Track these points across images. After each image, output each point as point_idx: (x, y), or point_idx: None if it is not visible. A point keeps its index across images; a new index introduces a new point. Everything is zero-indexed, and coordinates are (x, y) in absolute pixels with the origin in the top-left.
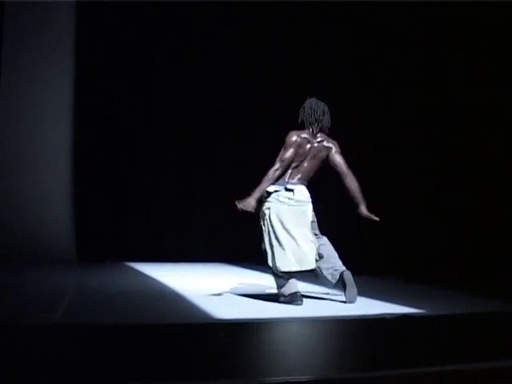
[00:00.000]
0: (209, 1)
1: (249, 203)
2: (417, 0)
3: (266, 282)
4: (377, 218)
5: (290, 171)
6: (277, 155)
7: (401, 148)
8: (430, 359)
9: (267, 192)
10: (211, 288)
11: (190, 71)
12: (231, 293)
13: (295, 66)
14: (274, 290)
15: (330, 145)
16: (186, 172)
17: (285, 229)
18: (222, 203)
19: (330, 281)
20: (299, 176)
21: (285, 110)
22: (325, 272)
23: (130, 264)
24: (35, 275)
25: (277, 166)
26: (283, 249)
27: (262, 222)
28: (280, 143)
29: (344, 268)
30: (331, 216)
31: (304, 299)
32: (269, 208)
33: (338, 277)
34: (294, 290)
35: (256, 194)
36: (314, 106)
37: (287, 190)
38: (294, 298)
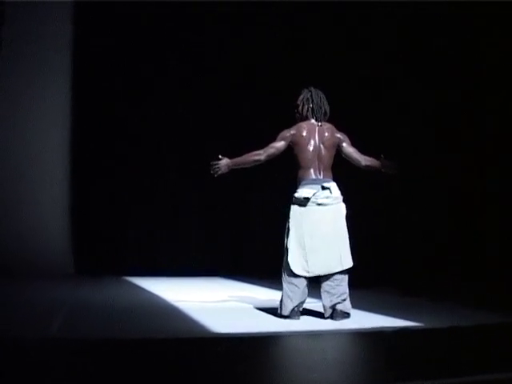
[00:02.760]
0: (207, 1)
1: (224, 163)
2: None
3: (263, 296)
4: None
5: (311, 167)
6: (276, 164)
7: (403, 159)
8: (429, 372)
9: (305, 198)
10: (208, 302)
11: (189, 72)
12: (228, 307)
13: (294, 68)
14: (272, 304)
15: (341, 135)
16: (184, 185)
17: (310, 232)
18: (219, 217)
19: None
20: (324, 171)
21: (285, 115)
22: (323, 300)
23: (127, 278)
24: (32, 288)
25: (262, 151)
26: (302, 251)
27: (289, 228)
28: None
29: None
30: None
31: (303, 313)
32: (299, 211)
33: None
34: (292, 307)
35: (235, 161)
36: (311, 96)
37: (324, 188)
38: (291, 314)
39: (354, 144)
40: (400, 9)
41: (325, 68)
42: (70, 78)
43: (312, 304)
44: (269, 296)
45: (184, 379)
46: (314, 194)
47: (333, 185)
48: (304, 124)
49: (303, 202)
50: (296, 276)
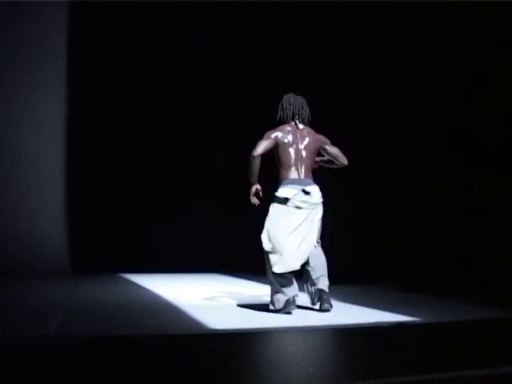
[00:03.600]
0: (206, 1)
1: (253, 190)
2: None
3: (260, 292)
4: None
5: (294, 168)
6: (274, 164)
7: (399, 155)
8: (426, 367)
9: (285, 198)
10: (205, 299)
11: (189, 71)
12: (226, 303)
13: (294, 68)
14: (269, 300)
15: (321, 138)
16: (181, 182)
17: (288, 231)
18: (217, 214)
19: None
20: (305, 171)
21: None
22: (308, 288)
23: (124, 275)
24: (29, 287)
25: (254, 151)
26: (281, 252)
27: (267, 228)
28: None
29: (323, 286)
30: (327, 226)
31: (298, 308)
32: (279, 210)
33: (315, 297)
34: (285, 299)
35: (253, 182)
36: (292, 101)
37: (305, 192)
38: (286, 305)
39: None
40: (400, 9)
41: (325, 68)
42: (67, 77)
43: (307, 300)
44: (265, 292)
45: (181, 376)
46: (294, 195)
47: (314, 189)
48: (287, 126)
49: (283, 202)
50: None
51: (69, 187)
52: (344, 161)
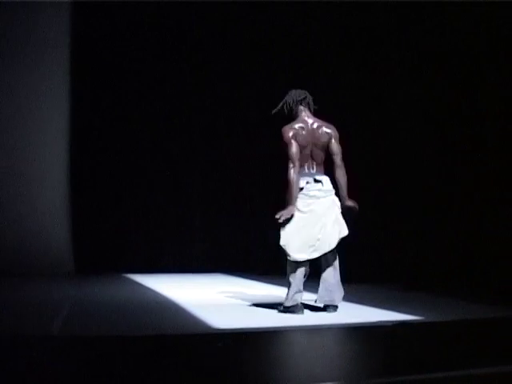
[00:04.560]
0: (205, 1)
1: (290, 211)
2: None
3: (264, 292)
4: (355, 206)
5: (306, 163)
6: (278, 162)
7: (400, 154)
8: (429, 366)
9: (300, 188)
10: (210, 298)
11: (188, 74)
12: (229, 303)
13: (295, 68)
14: (272, 300)
15: (330, 130)
16: (184, 183)
17: (309, 220)
18: (220, 214)
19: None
20: (316, 166)
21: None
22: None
23: (127, 275)
24: (33, 288)
25: (292, 165)
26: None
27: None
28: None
29: (336, 303)
30: None
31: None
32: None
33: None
34: (295, 303)
35: (293, 201)
36: (294, 92)
37: (316, 181)
38: (295, 309)
39: (345, 145)
40: (400, 9)
41: (326, 69)
42: (70, 78)
43: (310, 299)
44: (269, 292)
45: (186, 375)
46: (307, 183)
47: (325, 178)
48: (297, 125)
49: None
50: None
51: (72, 188)
52: (339, 161)
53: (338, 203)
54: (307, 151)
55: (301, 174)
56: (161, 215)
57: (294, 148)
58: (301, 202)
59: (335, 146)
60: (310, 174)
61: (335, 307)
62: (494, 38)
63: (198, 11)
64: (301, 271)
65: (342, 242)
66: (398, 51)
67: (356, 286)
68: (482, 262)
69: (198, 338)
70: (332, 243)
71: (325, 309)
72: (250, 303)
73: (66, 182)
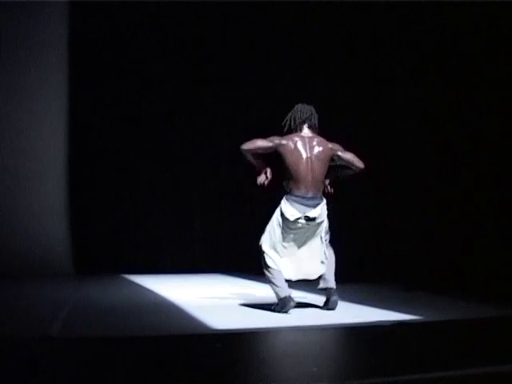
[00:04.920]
0: (205, 1)
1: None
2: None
3: (263, 292)
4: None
5: (302, 182)
6: (278, 167)
7: (401, 154)
8: (428, 365)
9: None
10: (208, 299)
11: (187, 74)
12: (228, 303)
13: (295, 69)
14: (270, 300)
15: (332, 145)
16: (183, 183)
17: (291, 244)
18: (220, 214)
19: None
20: (315, 184)
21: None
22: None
23: (127, 276)
24: (32, 289)
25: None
26: (280, 257)
27: (272, 222)
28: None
29: (332, 286)
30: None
31: (301, 307)
32: (282, 219)
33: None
34: (283, 295)
35: (256, 165)
36: (300, 108)
37: (309, 219)
38: (285, 303)
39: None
40: (400, 9)
41: (326, 70)
42: (69, 77)
43: (309, 298)
44: (268, 292)
45: (185, 376)
46: (296, 219)
47: (317, 212)
48: (296, 137)
49: (287, 222)
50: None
51: (71, 188)
52: (360, 164)
53: (324, 227)
54: (306, 163)
55: (296, 196)
56: (160, 216)
57: (260, 142)
58: (288, 224)
59: (347, 154)
60: (304, 201)
61: (332, 290)
62: (494, 37)
63: (197, 11)
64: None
65: (341, 241)
66: (398, 51)
67: (355, 285)
68: (482, 261)
69: (196, 339)
70: (315, 274)
71: (327, 301)
72: (248, 303)
73: (65, 182)
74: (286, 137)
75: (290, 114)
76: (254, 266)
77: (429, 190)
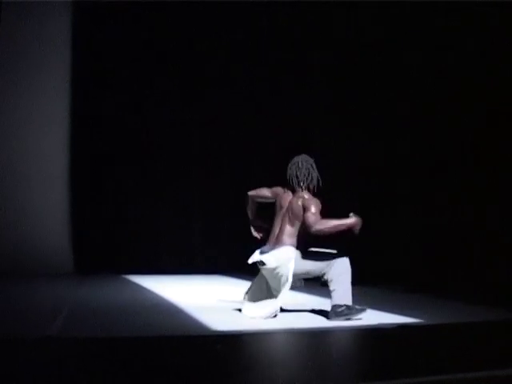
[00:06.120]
0: (207, 1)
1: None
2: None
3: None
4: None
5: (273, 231)
6: (278, 168)
7: (401, 156)
8: (429, 369)
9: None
10: (208, 300)
11: (190, 76)
12: (229, 304)
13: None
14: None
15: (302, 199)
16: (184, 183)
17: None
18: (220, 215)
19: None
20: (281, 238)
21: (289, 124)
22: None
23: (127, 276)
24: (32, 288)
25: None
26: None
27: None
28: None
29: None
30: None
31: (300, 310)
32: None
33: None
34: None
35: (251, 216)
36: (299, 165)
37: (260, 263)
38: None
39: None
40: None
41: (328, 71)
42: (71, 79)
43: (311, 302)
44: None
45: (184, 377)
46: (253, 261)
47: (269, 258)
48: (281, 189)
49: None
50: None
51: (72, 188)
52: (310, 225)
53: (285, 272)
54: (279, 215)
55: (265, 246)
56: (160, 216)
57: (265, 190)
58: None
59: (308, 212)
60: (267, 248)
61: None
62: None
63: (201, 12)
64: None
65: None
66: (398, 53)
67: (357, 288)
68: (483, 264)
69: (196, 340)
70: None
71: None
72: None
73: (65, 182)
74: (274, 188)
75: (289, 171)
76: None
77: (430, 192)
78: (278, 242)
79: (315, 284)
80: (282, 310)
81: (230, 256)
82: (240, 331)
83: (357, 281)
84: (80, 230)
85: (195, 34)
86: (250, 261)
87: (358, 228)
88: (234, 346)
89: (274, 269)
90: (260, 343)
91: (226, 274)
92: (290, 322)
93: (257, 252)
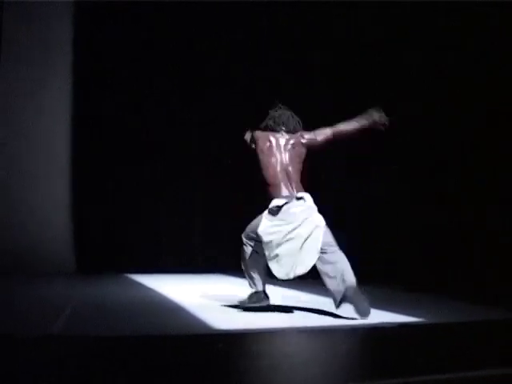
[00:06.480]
0: (207, 1)
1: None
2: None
3: None
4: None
5: (282, 182)
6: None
7: (401, 156)
8: (429, 368)
9: (277, 206)
10: (210, 298)
11: (191, 75)
12: (230, 303)
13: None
14: (272, 300)
15: (298, 134)
16: (185, 182)
17: (282, 237)
18: (221, 214)
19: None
20: (295, 184)
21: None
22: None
23: (129, 275)
24: (34, 287)
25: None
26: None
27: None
28: None
29: (344, 288)
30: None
31: (303, 309)
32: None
33: (339, 300)
34: (255, 290)
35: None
36: (278, 112)
37: (298, 198)
38: (259, 298)
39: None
40: (402, 9)
41: (328, 71)
42: (73, 78)
43: (312, 300)
44: (269, 292)
45: (186, 376)
46: (286, 202)
47: (307, 196)
48: (270, 135)
49: (275, 212)
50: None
51: (74, 187)
52: (327, 132)
53: (320, 223)
54: (280, 166)
55: (279, 196)
56: (161, 215)
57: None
58: (279, 220)
59: (310, 133)
60: (290, 197)
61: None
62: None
63: (201, 12)
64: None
65: (343, 243)
66: (398, 53)
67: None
68: (484, 263)
69: (198, 339)
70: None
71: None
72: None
73: (68, 181)
74: (260, 134)
75: (267, 119)
76: None
77: (431, 191)
78: (299, 190)
79: (315, 284)
80: (283, 309)
81: (229, 255)
82: (242, 330)
83: (357, 280)
84: (81, 230)
85: (195, 34)
86: (281, 203)
87: (381, 122)
88: (235, 345)
89: (310, 208)
90: (262, 342)
91: (226, 273)
92: (291, 321)
93: (278, 199)
